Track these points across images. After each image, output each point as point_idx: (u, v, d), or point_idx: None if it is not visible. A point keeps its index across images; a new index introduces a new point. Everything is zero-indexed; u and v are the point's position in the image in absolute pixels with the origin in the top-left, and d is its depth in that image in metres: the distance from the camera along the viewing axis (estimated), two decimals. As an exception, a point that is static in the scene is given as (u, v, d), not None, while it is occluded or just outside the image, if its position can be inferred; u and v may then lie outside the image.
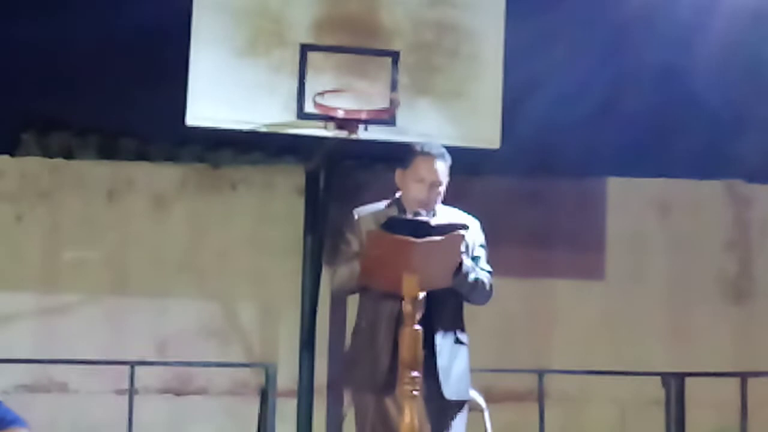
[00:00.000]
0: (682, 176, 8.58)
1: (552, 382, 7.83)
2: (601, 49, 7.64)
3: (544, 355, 8.16)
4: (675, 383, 7.70)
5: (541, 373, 7.73)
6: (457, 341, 4.49)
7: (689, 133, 8.21)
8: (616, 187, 8.52)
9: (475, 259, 4.52)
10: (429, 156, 4.50)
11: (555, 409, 7.82)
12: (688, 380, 7.70)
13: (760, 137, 8.04)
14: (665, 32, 7.53)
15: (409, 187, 4.50)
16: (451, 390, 4.41)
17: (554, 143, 7.75)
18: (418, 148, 4.56)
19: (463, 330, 4.53)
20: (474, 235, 4.55)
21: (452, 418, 4.45)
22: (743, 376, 7.27)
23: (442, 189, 4.52)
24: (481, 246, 4.59)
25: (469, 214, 4.62)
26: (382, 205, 4.59)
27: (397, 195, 4.58)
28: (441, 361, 4.39)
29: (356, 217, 4.56)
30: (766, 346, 8.31)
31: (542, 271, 8.31)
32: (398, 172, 4.55)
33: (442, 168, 4.50)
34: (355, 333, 4.57)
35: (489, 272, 4.55)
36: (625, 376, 7.84)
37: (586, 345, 8.19)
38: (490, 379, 7.07)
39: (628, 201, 8.53)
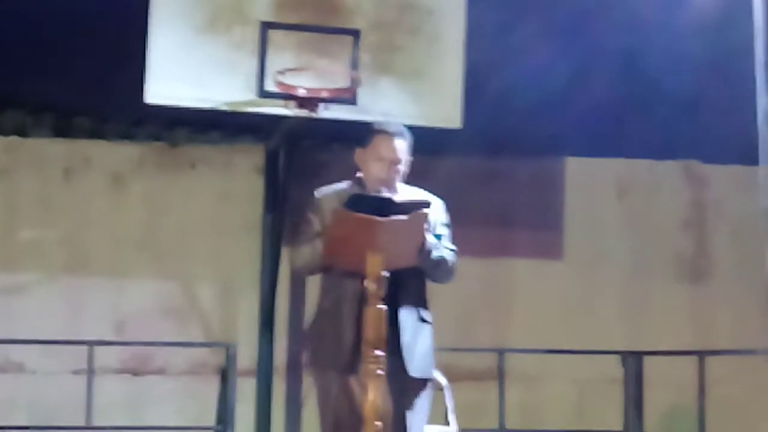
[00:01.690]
0: (639, 157, 8.64)
1: (511, 361, 7.87)
2: (562, 31, 7.65)
3: (503, 334, 8.20)
4: (633, 362, 7.77)
5: (500, 352, 7.77)
6: (421, 319, 4.49)
7: (647, 114, 8.26)
8: (575, 167, 8.57)
9: (438, 237, 4.52)
10: (388, 134, 4.48)
11: (514, 388, 7.87)
12: (646, 359, 7.77)
13: (716, 119, 8.09)
14: (625, 15, 7.56)
15: (369, 166, 4.48)
16: (415, 367, 4.41)
17: (514, 123, 7.76)
18: (377, 126, 4.54)
19: (426, 308, 4.54)
20: (437, 213, 4.55)
21: (416, 396, 4.45)
22: (701, 355, 7.35)
23: (402, 167, 4.51)
24: (445, 225, 4.59)
25: (431, 193, 4.62)
26: (344, 185, 4.58)
27: (358, 175, 4.56)
28: (405, 339, 4.39)
29: (318, 197, 4.55)
30: (723, 325, 8.41)
31: (501, 251, 8.34)
32: (358, 152, 4.53)
33: (402, 146, 4.49)
34: (317, 313, 4.55)
35: (452, 251, 4.56)
36: (583, 354, 7.90)
37: (545, 324, 8.24)
38: (451, 358, 7.05)
39: (587, 181, 8.58)
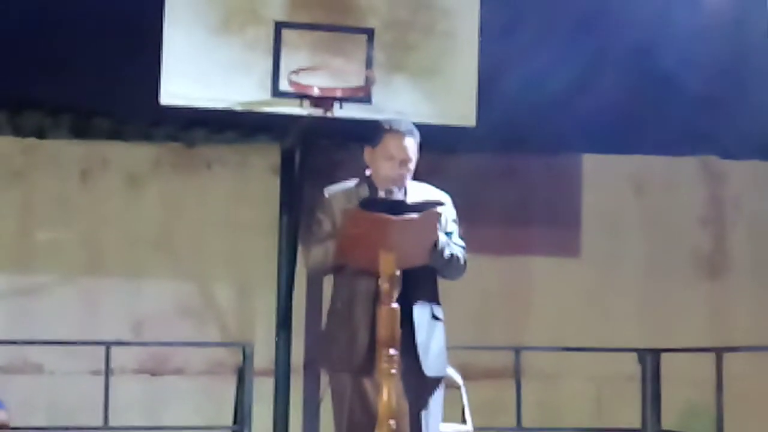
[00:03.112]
0: (656, 153, 8.60)
1: (528, 359, 7.86)
2: (577, 26, 7.62)
3: (520, 332, 8.19)
4: (651, 359, 7.75)
5: (517, 350, 7.75)
6: (434, 317, 4.48)
7: (664, 110, 8.22)
8: (591, 164, 8.55)
9: (448, 234, 4.51)
10: (398, 133, 4.47)
11: (531, 386, 7.86)
12: (663, 356, 7.74)
13: (734, 114, 8.05)
14: (640, 10, 7.52)
15: (379, 164, 4.47)
16: (430, 366, 4.41)
17: (529, 120, 7.74)
18: (386, 125, 4.53)
19: (439, 306, 4.53)
20: (446, 210, 4.54)
21: (430, 395, 4.45)
22: (718, 352, 7.31)
23: (412, 166, 4.51)
24: (454, 221, 4.59)
25: (440, 189, 4.61)
26: (352, 183, 4.57)
27: (367, 173, 4.56)
28: (420, 338, 4.39)
29: (327, 196, 4.54)
30: (740, 322, 8.37)
31: (518, 249, 8.33)
32: (367, 150, 4.52)
33: (412, 145, 4.48)
34: (330, 313, 4.55)
35: (462, 247, 4.55)
36: (601, 352, 7.87)
37: (562, 322, 8.22)
38: (467, 357, 7.08)
39: (604, 178, 8.55)
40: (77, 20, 7.36)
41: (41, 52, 7.45)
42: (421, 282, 4.44)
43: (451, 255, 4.44)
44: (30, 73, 7.54)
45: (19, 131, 8.10)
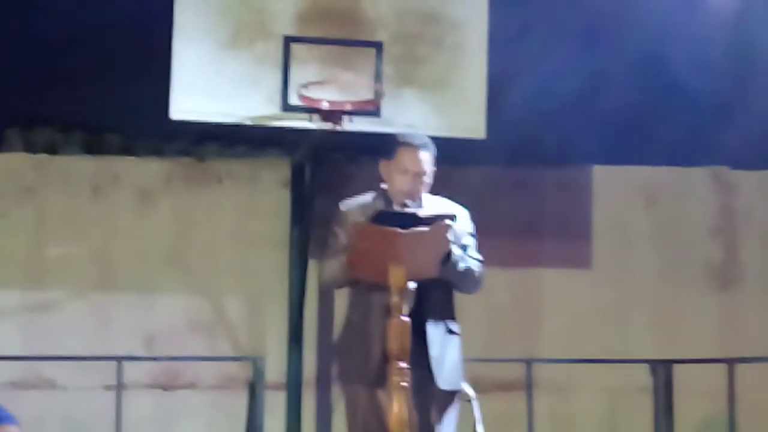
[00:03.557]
0: (667, 164, 8.59)
1: (540, 371, 7.85)
2: (585, 38, 7.63)
3: (532, 344, 8.18)
4: (663, 370, 7.73)
5: (529, 362, 7.74)
6: (449, 331, 4.48)
7: (674, 120, 8.22)
8: (602, 175, 8.54)
9: (463, 248, 4.51)
10: (412, 146, 4.48)
11: (543, 398, 7.85)
12: (675, 367, 7.73)
13: (744, 124, 8.05)
14: (648, 20, 7.53)
15: (394, 178, 4.48)
16: (444, 380, 4.40)
17: (539, 132, 7.75)
18: (401, 139, 4.54)
19: (454, 320, 4.53)
20: (462, 224, 4.54)
21: (444, 408, 4.45)
22: (730, 363, 7.29)
23: (427, 179, 4.51)
24: (470, 235, 4.59)
25: (456, 203, 4.62)
26: (368, 197, 4.58)
27: (384, 187, 4.57)
28: (433, 352, 4.39)
29: (343, 210, 4.55)
30: (752, 332, 8.34)
31: (529, 261, 8.32)
32: (382, 164, 4.54)
33: (426, 158, 4.49)
34: (345, 325, 4.56)
35: (478, 261, 4.55)
36: (613, 364, 7.86)
37: (573, 333, 8.21)
38: (479, 369, 7.05)
39: (614, 189, 8.54)
40: (88, 37, 7.40)
41: (52, 69, 7.49)
42: (436, 295, 4.44)
43: (466, 268, 4.43)
44: (41, 89, 7.58)
45: (30, 147, 8.14)
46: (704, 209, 8.64)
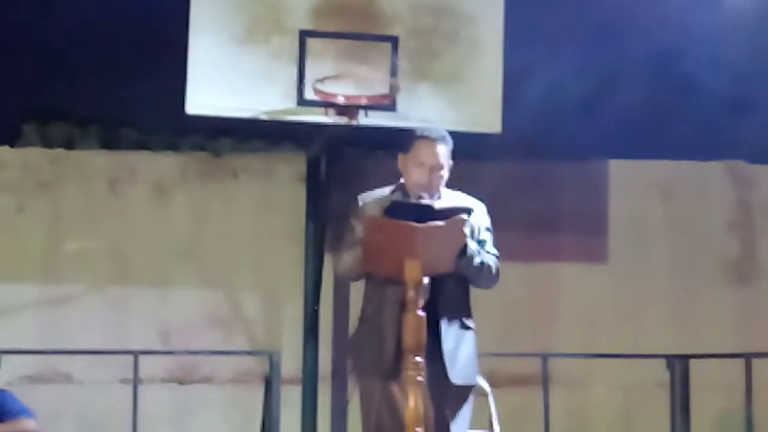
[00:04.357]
0: (683, 158, 8.56)
1: (556, 366, 7.83)
2: (601, 32, 7.62)
3: (547, 338, 8.16)
4: (679, 365, 7.70)
5: (545, 357, 7.72)
6: (463, 326, 4.48)
7: (690, 114, 8.20)
8: (618, 169, 8.51)
9: (480, 242, 4.51)
10: (429, 140, 4.49)
11: (559, 393, 7.83)
12: (692, 362, 7.70)
13: (761, 118, 8.02)
14: (666, 13, 7.51)
15: (411, 171, 4.49)
16: (457, 374, 4.40)
17: (555, 126, 7.74)
18: (418, 132, 4.55)
19: (469, 315, 4.52)
20: (479, 218, 4.54)
21: (458, 403, 4.45)
22: (747, 357, 7.27)
23: (444, 172, 4.51)
24: (487, 229, 4.58)
25: (473, 197, 4.61)
26: (386, 190, 4.59)
27: (401, 180, 4.57)
28: (447, 346, 4.39)
29: (360, 203, 4.56)
30: (770, 327, 8.32)
31: (545, 255, 8.30)
32: (400, 157, 4.54)
33: (443, 151, 4.49)
34: (360, 319, 4.56)
35: (495, 256, 4.54)
36: (629, 359, 7.84)
37: (589, 328, 8.19)
38: (494, 364, 7.07)
39: (630, 183, 8.51)
40: (104, 32, 7.43)
41: (69, 64, 7.52)
42: (450, 290, 4.44)
43: (482, 263, 4.43)
44: (58, 84, 7.61)
45: (47, 142, 8.17)
46: (721, 203, 8.61)
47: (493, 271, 4.50)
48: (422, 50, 6.70)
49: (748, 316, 8.40)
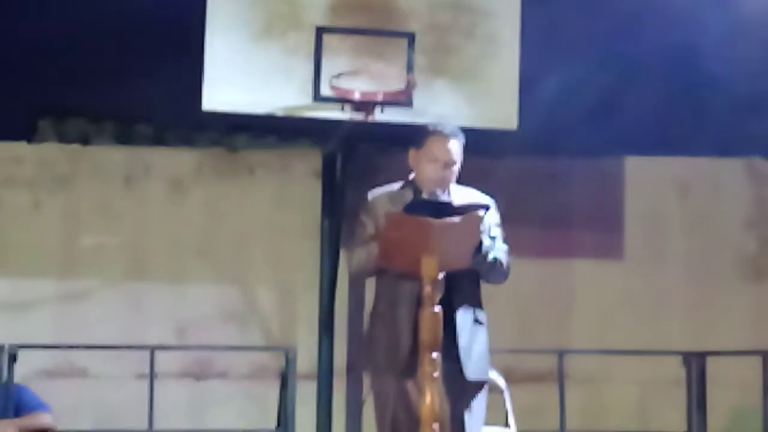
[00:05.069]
0: (700, 154, 8.52)
1: (572, 363, 7.81)
2: (618, 28, 7.59)
3: (563, 335, 8.15)
4: (696, 362, 7.68)
5: (561, 354, 7.71)
6: (477, 321, 4.49)
7: (708, 111, 8.15)
8: (634, 166, 8.49)
9: (492, 239, 4.51)
10: (442, 135, 4.50)
11: (575, 390, 7.81)
12: (708, 359, 7.67)
13: (779, 114, 7.98)
14: (683, 10, 7.48)
15: (423, 167, 4.49)
16: (472, 370, 4.41)
17: (571, 123, 7.71)
18: (431, 127, 4.57)
19: (481, 309, 4.53)
20: (490, 214, 4.55)
21: (474, 399, 4.46)
22: (764, 355, 7.25)
23: (456, 168, 4.52)
24: (497, 225, 4.59)
25: (484, 193, 4.61)
26: (396, 186, 4.59)
27: (411, 176, 4.57)
28: (462, 342, 4.40)
29: (371, 199, 4.56)
30: (787, 324, 8.29)
31: (561, 252, 8.29)
32: (412, 153, 4.55)
33: (456, 147, 4.50)
34: (373, 315, 4.57)
35: (506, 252, 4.55)
36: (645, 355, 7.82)
37: (605, 325, 8.17)
38: (510, 360, 7.07)
39: (647, 180, 8.49)
40: (120, 28, 7.43)
41: (85, 59, 7.53)
42: (463, 286, 4.45)
43: (495, 259, 4.44)
44: (74, 80, 7.61)
45: (63, 138, 8.18)
46: (738, 200, 8.58)
47: (505, 266, 4.52)
48: (439, 46, 6.69)
49: (764, 314, 8.36)
